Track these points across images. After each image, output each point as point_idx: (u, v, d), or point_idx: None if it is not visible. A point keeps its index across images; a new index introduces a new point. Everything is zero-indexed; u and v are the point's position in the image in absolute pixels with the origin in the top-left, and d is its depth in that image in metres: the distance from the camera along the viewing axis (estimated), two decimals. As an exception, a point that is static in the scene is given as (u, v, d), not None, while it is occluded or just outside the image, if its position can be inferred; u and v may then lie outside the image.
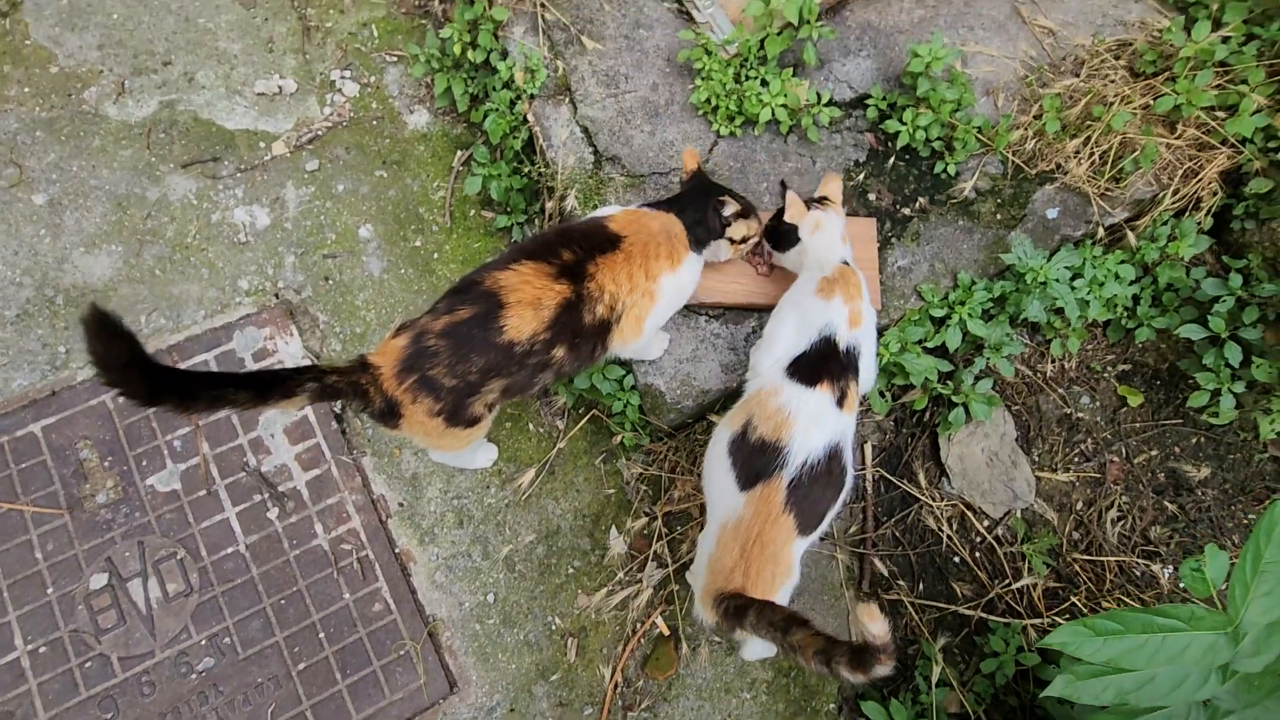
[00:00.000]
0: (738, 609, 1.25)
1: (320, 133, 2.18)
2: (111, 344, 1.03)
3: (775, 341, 1.49)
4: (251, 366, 1.97)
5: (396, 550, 1.89)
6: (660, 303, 1.52)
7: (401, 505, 1.92)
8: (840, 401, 1.39)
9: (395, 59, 2.28)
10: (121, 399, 1.10)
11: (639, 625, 1.86)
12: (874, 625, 1.04)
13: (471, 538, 1.91)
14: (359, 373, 1.35)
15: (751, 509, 1.33)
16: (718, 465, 1.42)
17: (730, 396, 1.83)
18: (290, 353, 1.99)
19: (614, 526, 1.94)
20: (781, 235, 1.63)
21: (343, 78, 2.24)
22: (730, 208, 1.59)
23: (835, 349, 1.42)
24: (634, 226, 1.48)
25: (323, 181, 2.15)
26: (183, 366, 1.93)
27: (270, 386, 1.25)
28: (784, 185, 1.65)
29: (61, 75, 2.13)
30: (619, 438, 1.92)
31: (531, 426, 2.01)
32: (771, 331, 1.53)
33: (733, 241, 1.63)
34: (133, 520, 1.81)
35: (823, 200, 1.64)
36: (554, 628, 1.86)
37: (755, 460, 1.36)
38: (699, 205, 1.59)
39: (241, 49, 2.22)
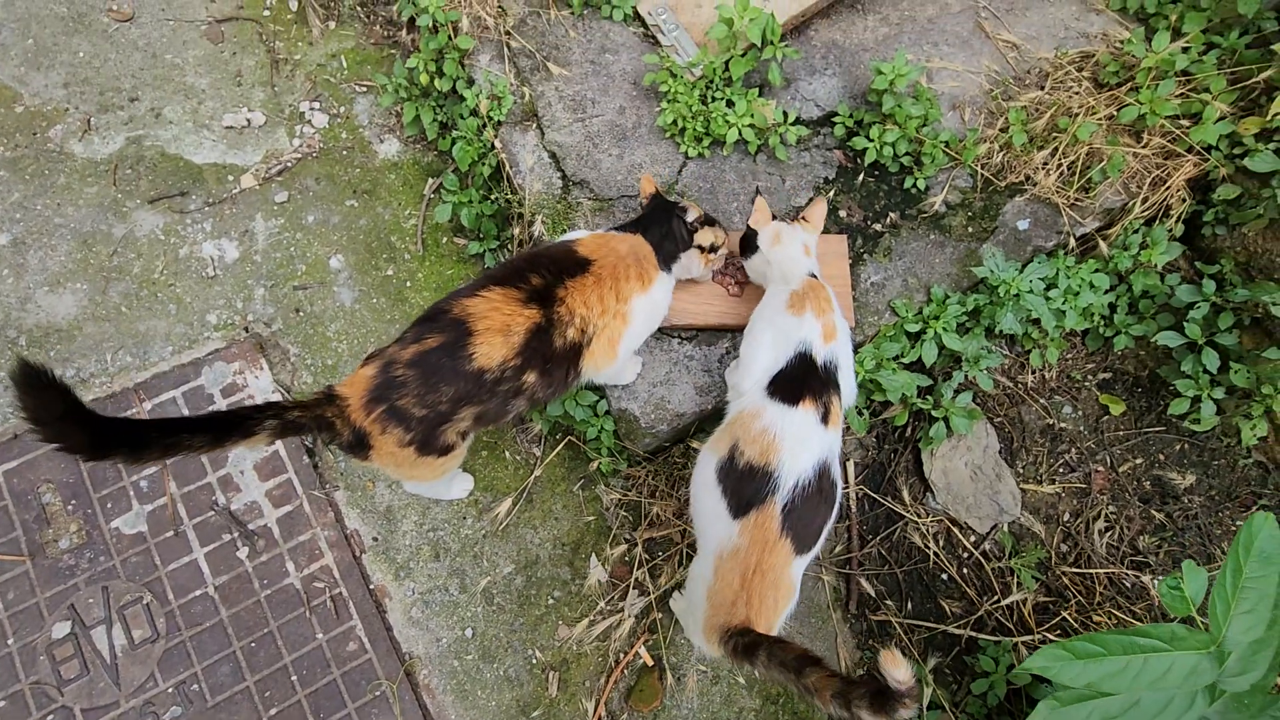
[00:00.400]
0: (747, 647, 1.22)
1: (290, 164, 2.17)
2: (42, 397, 0.99)
3: (753, 361, 1.47)
4: (221, 402, 1.93)
5: (371, 586, 1.84)
6: (633, 324, 1.50)
7: (376, 540, 1.88)
8: (824, 418, 1.37)
9: (364, 89, 2.28)
10: (62, 453, 1.04)
11: (622, 656, 1.82)
12: (897, 671, 1.02)
13: (449, 571, 1.87)
14: (324, 406, 1.32)
15: (747, 537, 1.30)
16: (707, 492, 1.39)
17: (705, 419, 1.81)
18: (260, 387, 1.96)
19: (594, 554, 1.90)
20: (744, 240, 1.62)
21: (312, 109, 2.23)
22: (693, 213, 1.59)
23: (813, 365, 1.40)
24: (603, 250, 1.47)
25: (292, 213, 2.13)
26: (149, 405, 1.90)
27: (228, 428, 1.21)
28: (758, 192, 1.65)
29: (27, 114, 2.11)
30: (596, 464, 1.89)
31: (508, 455, 1.97)
32: (748, 351, 1.51)
33: (702, 250, 1.62)
34: (97, 565, 1.76)
35: (799, 217, 1.63)
36: (534, 661, 1.81)
37: (745, 486, 1.33)
38: (662, 220, 1.58)
39: (209, 83, 2.22)
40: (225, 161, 2.15)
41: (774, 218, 1.62)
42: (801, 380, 1.38)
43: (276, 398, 1.94)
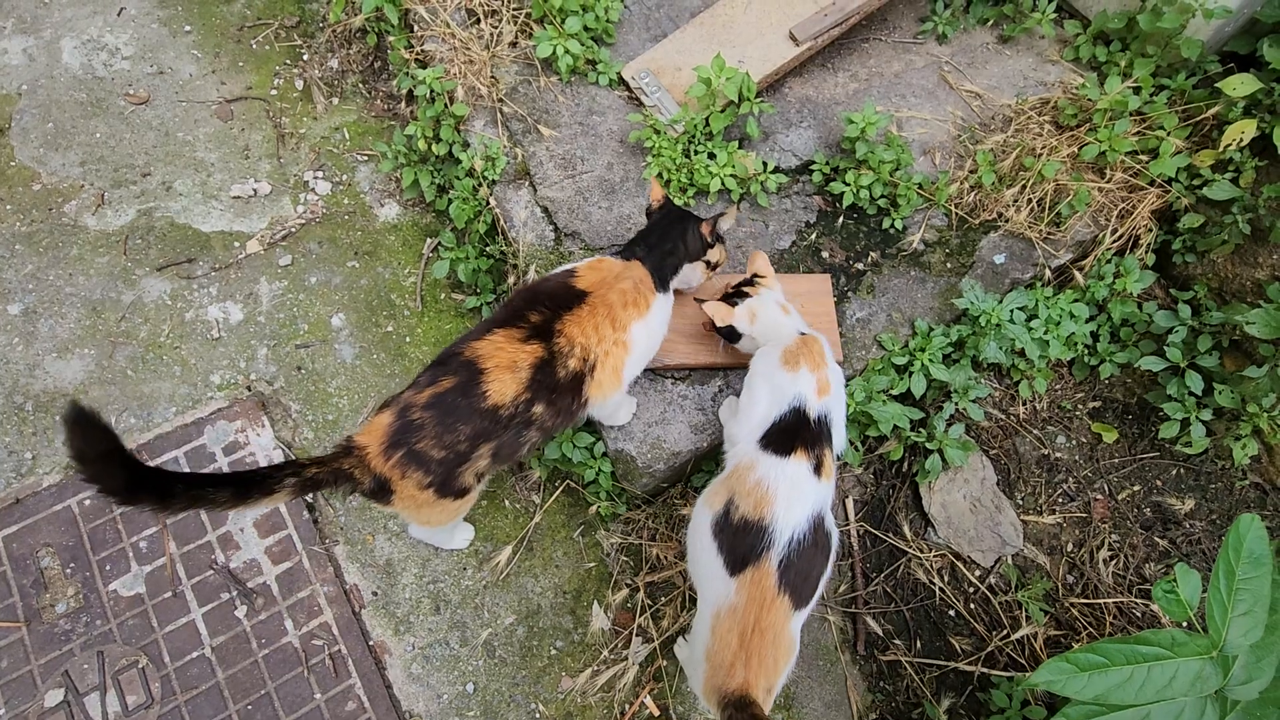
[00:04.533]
0: None
1: (294, 229, 2.26)
2: (90, 436, 1.04)
3: (750, 414, 1.49)
4: (223, 461, 1.95)
5: (371, 643, 1.81)
6: (634, 351, 1.54)
7: (375, 594, 1.86)
8: (817, 469, 1.39)
9: (366, 158, 2.40)
10: (98, 495, 1.09)
11: (627, 707, 1.77)
12: None
13: (449, 624, 1.85)
14: (343, 458, 1.34)
15: (744, 595, 1.29)
16: (703, 549, 1.39)
17: (702, 458, 1.83)
18: (261, 444, 1.98)
19: (596, 601, 1.88)
20: (727, 333, 1.66)
21: (315, 178, 2.34)
22: (728, 220, 1.63)
23: (806, 419, 1.42)
24: (598, 279, 1.52)
25: (295, 275, 2.21)
26: (152, 465, 1.91)
27: (250, 485, 1.24)
28: (732, 300, 1.64)
29: (44, 192, 2.22)
30: (595, 507, 1.90)
31: (507, 503, 1.98)
32: (745, 403, 1.53)
33: (708, 265, 1.66)
34: (93, 629, 1.74)
35: (754, 279, 1.66)
36: (538, 715, 1.77)
37: (741, 542, 1.33)
38: (670, 236, 1.61)
39: (219, 157, 2.34)
40: (232, 229, 2.24)
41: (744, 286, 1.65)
42: (794, 433, 1.40)
43: (278, 455, 1.97)
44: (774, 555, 1.31)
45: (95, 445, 1.05)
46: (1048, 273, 1.98)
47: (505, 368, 1.36)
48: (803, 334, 1.57)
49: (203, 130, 2.37)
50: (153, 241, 2.20)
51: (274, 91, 2.47)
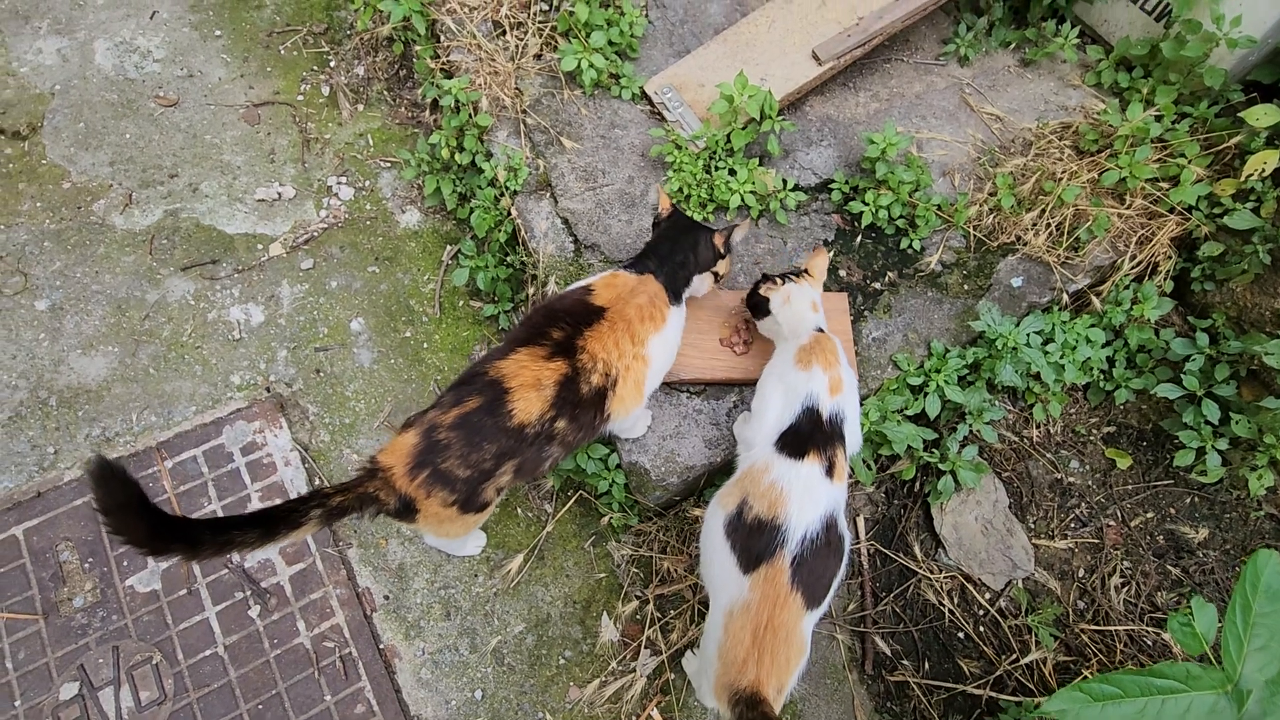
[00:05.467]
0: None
1: (316, 234, 2.29)
2: (113, 489, 1.05)
3: (764, 416, 1.51)
4: (240, 461, 1.98)
5: (381, 646, 1.83)
6: (653, 364, 1.55)
7: (387, 598, 1.88)
8: (829, 471, 1.40)
9: (389, 164, 2.43)
10: (125, 546, 1.11)
11: (634, 719, 1.78)
12: None
13: (459, 630, 1.86)
14: (367, 481, 1.35)
15: (758, 593, 1.31)
16: (716, 548, 1.41)
17: (715, 472, 1.84)
18: (279, 445, 2.00)
19: (605, 612, 1.89)
20: (756, 305, 1.69)
21: (339, 183, 2.38)
22: (740, 232, 1.65)
23: (819, 419, 1.44)
24: (614, 295, 1.53)
25: (317, 279, 2.23)
26: (170, 463, 1.94)
27: (276, 521, 1.25)
28: (764, 277, 1.72)
29: (73, 190, 2.26)
30: (607, 518, 1.91)
31: (520, 511, 1.99)
32: (759, 406, 1.55)
33: (716, 276, 1.68)
34: (109, 624, 1.76)
35: (802, 272, 1.70)
36: (544, 725, 1.78)
37: (754, 541, 1.35)
38: (680, 248, 1.63)
39: (245, 160, 2.37)
40: (256, 231, 2.27)
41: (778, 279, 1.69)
42: (808, 434, 1.42)
43: (295, 456, 1.99)
44: (787, 553, 1.32)
45: (118, 497, 1.06)
46: (1065, 297, 1.99)
47: (530, 386, 1.38)
48: (819, 331, 1.59)
49: (230, 133, 2.41)
50: (178, 242, 2.23)
51: (300, 97, 2.50)
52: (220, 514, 1.91)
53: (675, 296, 1.61)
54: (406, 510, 1.39)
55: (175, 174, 2.32)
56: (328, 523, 1.33)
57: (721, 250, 1.66)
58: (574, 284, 1.64)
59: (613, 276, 1.57)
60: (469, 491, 1.40)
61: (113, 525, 1.07)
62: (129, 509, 1.07)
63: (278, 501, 1.30)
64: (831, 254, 2.00)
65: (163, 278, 2.18)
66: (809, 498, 1.34)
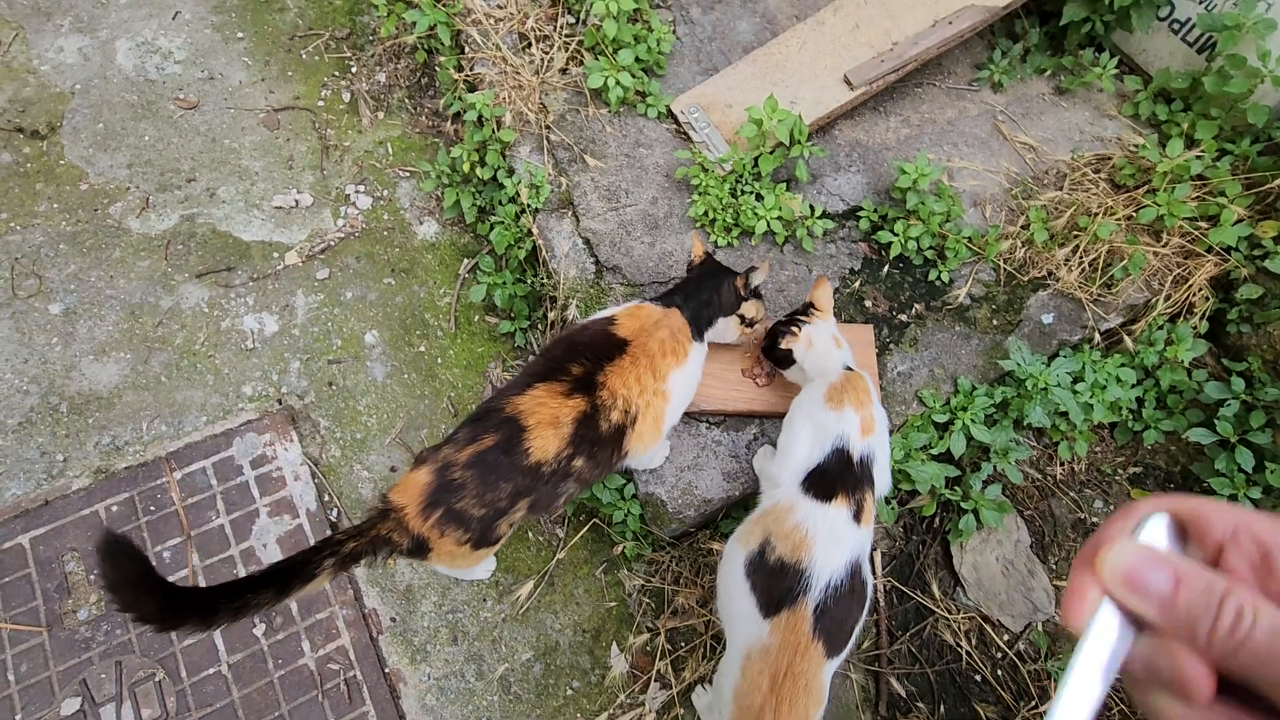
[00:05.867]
0: None
1: (333, 243, 2.26)
2: (120, 563, 1.01)
3: (790, 453, 1.47)
4: (250, 474, 1.95)
5: (386, 670, 1.80)
6: (673, 400, 1.52)
7: (394, 620, 1.85)
8: (857, 515, 1.36)
9: (408, 174, 2.40)
10: (136, 624, 1.07)
11: (641, 755, 1.74)
12: None
13: (466, 656, 1.82)
14: (379, 523, 1.32)
15: (778, 639, 1.27)
16: (736, 587, 1.37)
17: (733, 505, 1.80)
18: (289, 459, 1.98)
19: (615, 643, 1.85)
20: (779, 359, 1.64)
21: (357, 192, 2.35)
22: (760, 274, 1.61)
23: (849, 461, 1.40)
24: (637, 328, 1.50)
25: (332, 289, 2.20)
26: (179, 474, 1.92)
27: (290, 576, 1.22)
28: (777, 329, 1.64)
29: (90, 192, 2.23)
30: (620, 547, 1.87)
31: (531, 535, 1.96)
32: (786, 442, 1.51)
33: (743, 320, 1.64)
34: (113, 638, 1.74)
35: (809, 308, 1.65)
36: (550, 758, 1.74)
37: (776, 584, 1.31)
38: (708, 287, 1.60)
39: (263, 166, 2.35)
40: (272, 239, 2.25)
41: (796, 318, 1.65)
42: (836, 476, 1.38)
43: (305, 470, 1.96)
44: (810, 600, 1.28)
45: (127, 573, 1.02)
46: (1097, 336, 1.94)
47: (548, 424, 1.34)
48: (848, 370, 1.55)
49: (249, 138, 2.38)
50: (194, 248, 2.20)
51: (321, 103, 2.47)
52: (227, 528, 1.88)
53: (698, 333, 1.57)
54: (419, 549, 1.36)
55: (193, 178, 2.30)
56: (342, 570, 1.29)
57: (742, 293, 1.62)
58: (596, 314, 1.60)
59: (637, 308, 1.54)
60: (483, 530, 1.36)
61: (122, 603, 1.02)
62: (139, 585, 1.03)
63: (287, 555, 1.26)
64: (857, 283, 1.96)
65: (177, 284, 2.15)
66: (835, 542, 1.30)
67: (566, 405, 1.35)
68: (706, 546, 1.89)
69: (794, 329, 1.59)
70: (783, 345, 1.60)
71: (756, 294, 1.65)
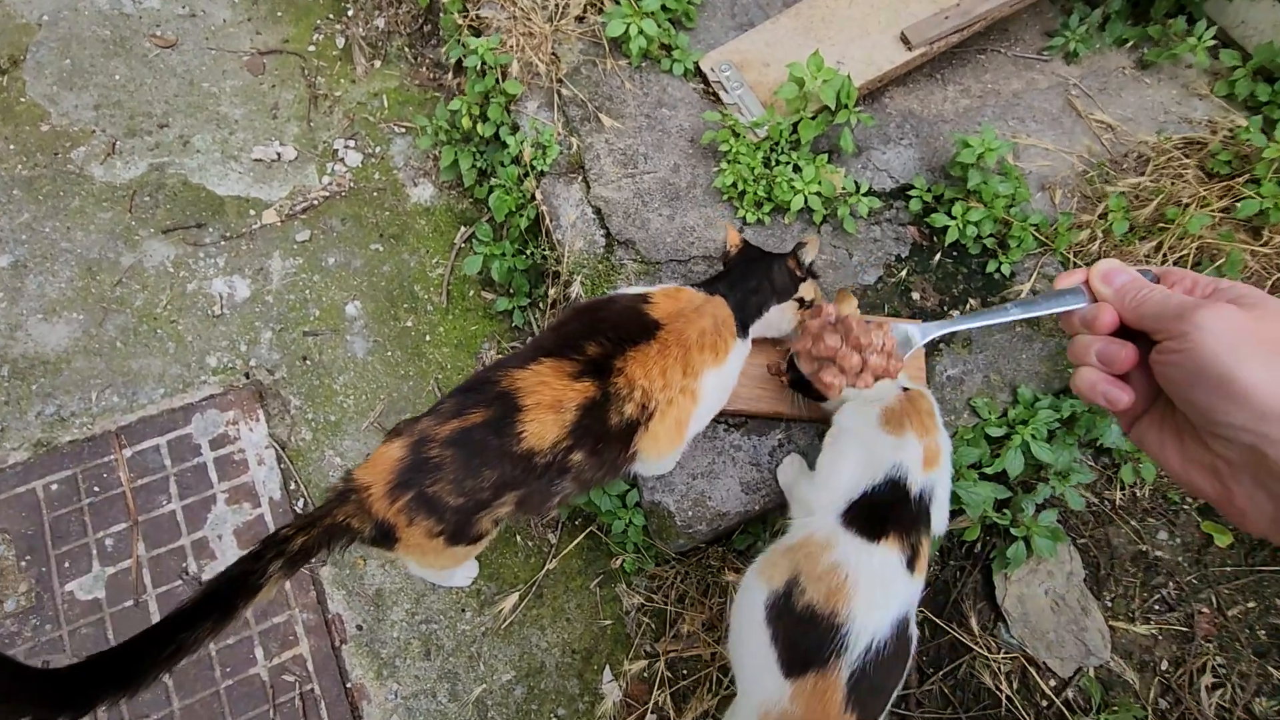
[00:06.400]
0: None
1: (316, 202, 2.04)
2: None
3: (833, 477, 1.22)
4: (208, 455, 1.74)
5: (348, 685, 1.59)
6: (703, 403, 1.27)
7: (360, 628, 1.64)
8: (911, 562, 1.12)
9: (404, 130, 2.16)
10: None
11: (632, 798, 1.53)
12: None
13: (439, 673, 1.61)
14: (337, 508, 1.11)
15: (802, 706, 1.04)
16: (753, 632, 1.14)
17: (751, 520, 1.56)
18: (254, 440, 1.76)
19: (608, 667, 1.63)
20: (807, 386, 1.34)
21: (346, 147, 2.12)
22: (811, 251, 1.36)
23: (905, 495, 1.16)
24: (675, 311, 1.26)
25: (313, 253, 1.98)
26: (129, 452, 1.71)
27: (231, 598, 1.00)
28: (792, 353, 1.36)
29: (51, 134, 2.02)
30: (619, 560, 1.65)
31: (520, 540, 1.74)
32: (828, 464, 1.26)
33: (801, 304, 1.39)
34: (41, 634, 1.54)
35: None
36: (528, 796, 1.53)
37: (804, 636, 1.08)
38: (755, 274, 1.36)
39: (244, 114, 2.12)
40: (249, 195, 2.02)
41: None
42: (888, 512, 1.14)
43: (270, 454, 1.75)
44: (844, 664, 1.05)
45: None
46: (1182, 346, 1.68)
47: (548, 406, 1.11)
48: (906, 390, 1.30)
49: (230, 83, 2.15)
50: (161, 200, 1.98)
51: (312, 48, 2.24)
52: (179, 514, 1.68)
53: (743, 328, 1.33)
54: (384, 538, 1.14)
55: (165, 124, 2.07)
56: (293, 572, 1.08)
57: (799, 273, 1.37)
58: (626, 288, 1.36)
59: (677, 290, 1.30)
60: (460, 522, 1.14)
61: (5, 713, 0.81)
62: (12, 693, 0.81)
63: (226, 566, 1.03)
64: (904, 272, 1.71)
65: (141, 239, 1.93)
66: (883, 595, 1.07)
67: (573, 389, 1.12)
68: (718, 564, 1.66)
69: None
70: (825, 379, 1.25)
71: (812, 273, 1.40)
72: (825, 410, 1.41)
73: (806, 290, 1.37)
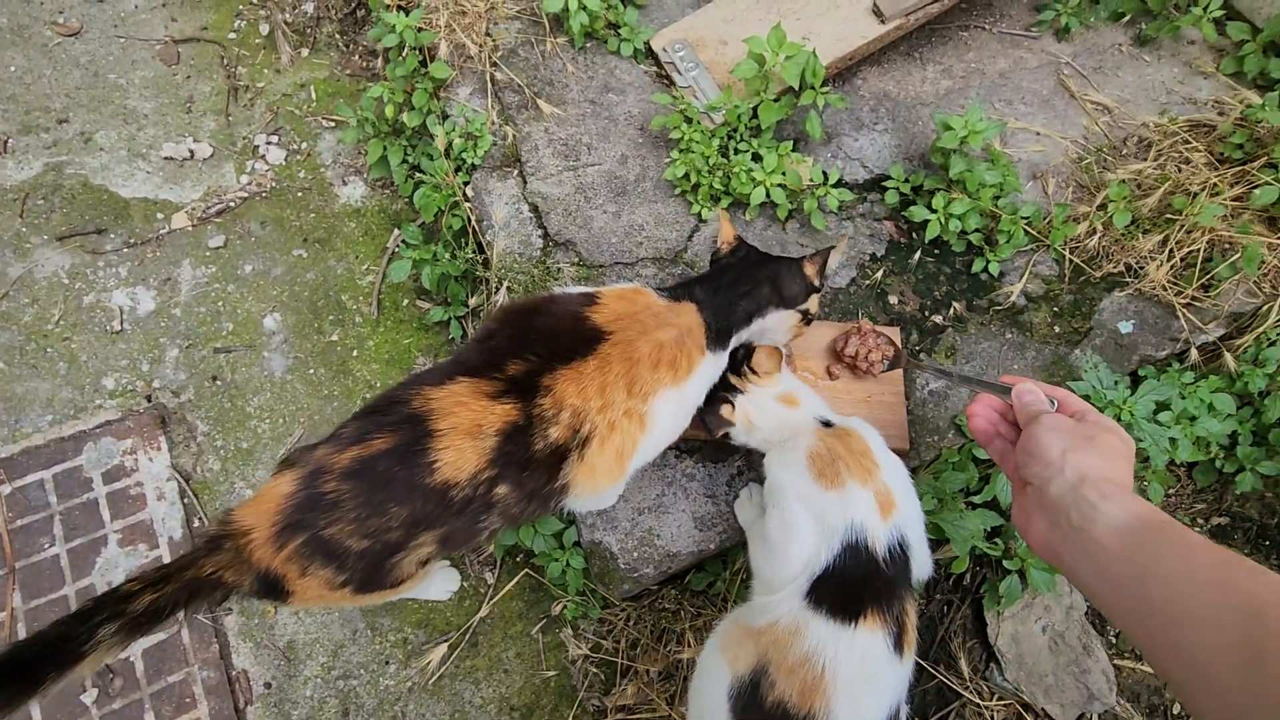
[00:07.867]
0: None
1: (233, 204, 1.84)
2: None
3: (787, 551, 1.02)
4: (100, 490, 1.54)
5: (252, 753, 1.39)
6: (654, 431, 1.06)
7: (269, 686, 1.44)
8: (898, 641, 0.93)
9: (333, 124, 1.97)
10: None
11: None
12: None
13: (358, 735, 1.42)
14: (204, 558, 0.93)
15: None
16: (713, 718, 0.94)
17: (707, 559, 1.37)
18: (154, 472, 1.57)
19: (550, 725, 1.44)
20: (726, 435, 1.21)
21: (268, 143, 1.92)
22: (838, 256, 1.17)
23: (873, 561, 0.96)
24: (626, 317, 1.06)
25: (227, 260, 1.78)
26: (8, 488, 1.51)
27: (38, 668, 0.82)
28: (725, 400, 1.18)
29: (-64, 131, 1.82)
30: (560, 605, 1.45)
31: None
32: (778, 536, 1.05)
33: (804, 317, 1.21)
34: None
35: (741, 374, 1.20)
36: None
37: None
38: (754, 278, 1.17)
39: (154, 108, 1.92)
40: (157, 197, 1.83)
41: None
42: (860, 585, 0.94)
43: (171, 488, 1.55)
44: None
45: None
46: (1194, 352, 1.49)
47: (465, 431, 0.92)
48: (825, 424, 1.11)
49: (140, 74, 1.95)
50: (58, 204, 1.78)
51: (233, 35, 2.04)
52: (64, 559, 1.48)
53: (719, 339, 1.12)
54: (271, 591, 0.95)
55: (65, 119, 1.87)
56: (130, 640, 0.90)
57: (816, 281, 1.19)
58: (572, 287, 1.17)
59: (635, 292, 1.10)
60: (368, 569, 0.95)
61: None
62: None
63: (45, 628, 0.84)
64: (880, 273, 1.52)
65: (32, 247, 1.74)
66: (868, 688, 0.88)
67: (493, 410, 0.93)
68: (673, 607, 1.47)
69: (727, 402, 1.16)
70: (716, 433, 1.18)
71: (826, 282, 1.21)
72: (760, 450, 1.21)
73: (813, 303, 1.18)
